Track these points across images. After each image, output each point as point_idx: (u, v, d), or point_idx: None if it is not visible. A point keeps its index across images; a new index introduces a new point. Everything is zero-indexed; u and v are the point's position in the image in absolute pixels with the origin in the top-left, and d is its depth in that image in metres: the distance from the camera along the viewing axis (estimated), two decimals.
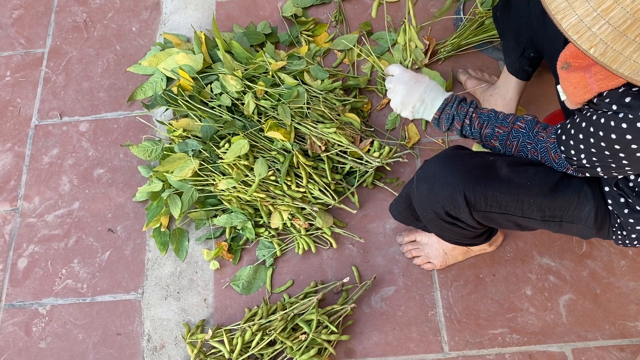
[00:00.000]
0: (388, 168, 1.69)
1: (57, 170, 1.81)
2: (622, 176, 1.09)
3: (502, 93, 1.63)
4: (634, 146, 0.92)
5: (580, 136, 1.02)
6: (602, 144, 0.97)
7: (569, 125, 1.06)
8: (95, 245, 1.69)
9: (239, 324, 1.50)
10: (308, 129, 1.62)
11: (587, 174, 1.10)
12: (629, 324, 1.48)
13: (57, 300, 1.63)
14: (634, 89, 0.90)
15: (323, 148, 1.59)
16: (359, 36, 1.90)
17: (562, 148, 1.08)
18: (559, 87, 1.10)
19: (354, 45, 1.87)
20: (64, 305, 1.62)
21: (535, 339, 1.48)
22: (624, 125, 0.91)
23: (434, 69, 1.82)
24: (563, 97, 1.08)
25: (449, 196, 1.16)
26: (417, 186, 1.23)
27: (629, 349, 1.45)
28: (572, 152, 1.06)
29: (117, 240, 1.70)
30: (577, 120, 1.03)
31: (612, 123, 0.93)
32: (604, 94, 0.95)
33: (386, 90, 1.53)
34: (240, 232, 1.64)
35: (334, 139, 1.60)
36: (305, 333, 1.44)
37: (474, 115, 1.20)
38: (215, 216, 1.66)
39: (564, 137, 1.08)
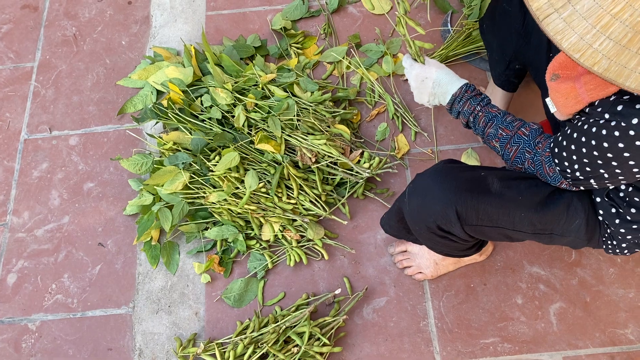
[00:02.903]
0: (378, 179, 1.70)
1: (46, 185, 1.80)
2: (613, 186, 1.09)
3: None
4: (626, 154, 0.91)
5: (573, 147, 1.01)
6: (595, 152, 0.96)
7: (560, 138, 1.06)
8: (86, 260, 1.68)
9: (230, 338, 1.50)
10: (298, 140, 1.62)
11: (582, 187, 1.09)
12: (619, 331, 1.49)
13: (47, 315, 1.62)
14: (625, 97, 0.90)
15: (313, 159, 1.60)
16: (348, 48, 1.92)
17: (556, 161, 1.08)
18: (547, 99, 1.09)
19: (343, 57, 1.89)
20: (54, 320, 1.61)
21: (526, 348, 1.48)
22: (617, 133, 0.90)
23: None
24: (553, 109, 1.07)
25: (441, 211, 1.16)
26: (409, 200, 1.24)
27: (619, 357, 1.46)
28: (566, 164, 1.05)
29: (107, 254, 1.69)
30: (569, 132, 1.02)
31: (604, 132, 0.92)
32: (596, 103, 0.95)
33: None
34: (232, 244, 1.64)
35: (324, 151, 1.61)
36: (297, 345, 1.44)
37: (479, 113, 1.22)
38: (206, 229, 1.66)
39: (556, 150, 1.07)
